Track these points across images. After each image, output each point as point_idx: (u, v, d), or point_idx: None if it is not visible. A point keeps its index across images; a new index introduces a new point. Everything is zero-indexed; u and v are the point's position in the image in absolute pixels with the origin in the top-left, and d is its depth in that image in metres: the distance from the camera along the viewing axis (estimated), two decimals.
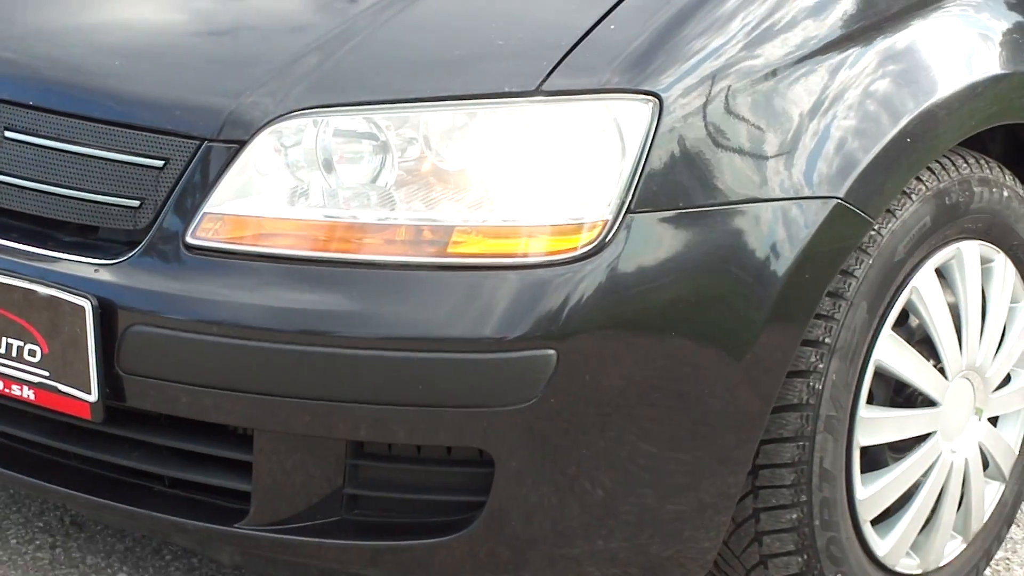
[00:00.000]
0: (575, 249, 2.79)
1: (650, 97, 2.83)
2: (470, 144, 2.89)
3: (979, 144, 3.43)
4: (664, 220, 2.86)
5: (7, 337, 2.98)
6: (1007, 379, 3.48)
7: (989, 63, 3.36)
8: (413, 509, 2.99)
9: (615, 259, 2.79)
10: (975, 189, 3.28)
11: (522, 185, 2.89)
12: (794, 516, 3.08)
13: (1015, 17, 3.47)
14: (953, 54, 3.31)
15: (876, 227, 3.07)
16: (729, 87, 2.98)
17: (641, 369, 2.88)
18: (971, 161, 3.29)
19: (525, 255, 2.83)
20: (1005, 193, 3.34)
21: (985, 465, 3.46)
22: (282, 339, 2.82)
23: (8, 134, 3.06)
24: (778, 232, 2.98)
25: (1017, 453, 3.55)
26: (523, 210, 2.87)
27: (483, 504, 2.85)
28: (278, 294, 2.85)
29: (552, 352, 2.73)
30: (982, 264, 3.35)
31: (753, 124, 3.01)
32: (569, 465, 2.92)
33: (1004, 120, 3.38)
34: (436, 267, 2.84)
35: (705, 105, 2.94)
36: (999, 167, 3.39)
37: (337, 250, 2.88)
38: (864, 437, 3.15)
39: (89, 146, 3.02)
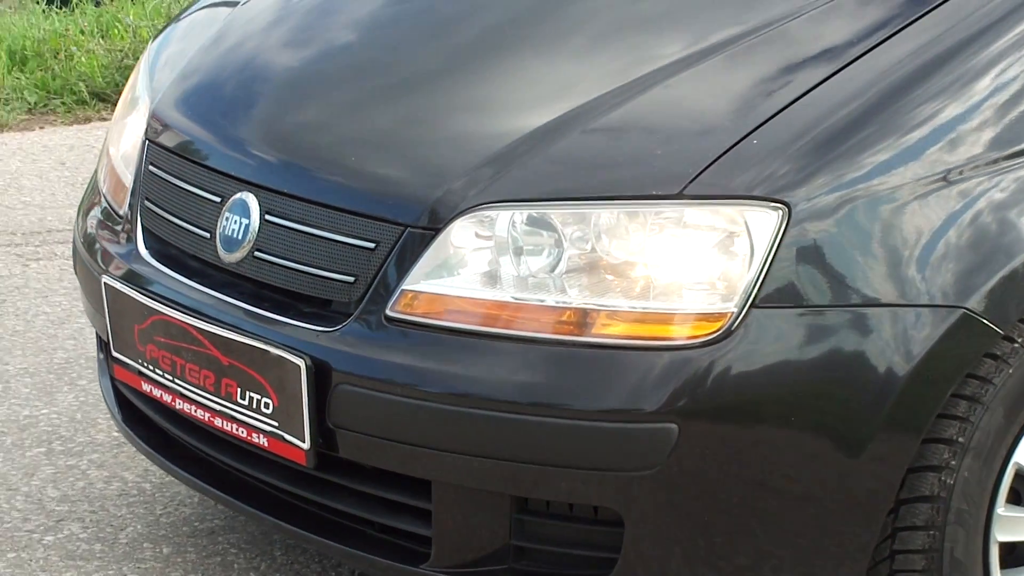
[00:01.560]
0: (700, 337, 3.03)
1: (780, 205, 3.06)
2: (629, 241, 3.16)
3: None
4: (786, 317, 3.08)
5: (250, 391, 3.37)
6: None
7: None
8: (567, 563, 3.23)
9: (737, 349, 3.03)
10: None
11: (667, 277, 3.13)
12: None
13: None
14: None
15: (1019, 341, 3.18)
16: (858, 201, 3.16)
17: (755, 452, 3.10)
18: None
19: (662, 339, 3.09)
20: None
21: None
22: (459, 403, 3.13)
23: (268, 217, 3.46)
24: (898, 336, 3.13)
25: None
26: (664, 299, 3.12)
27: (615, 560, 3.11)
28: (459, 364, 3.17)
29: (674, 427, 2.98)
30: None
31: (880, 236, 3.18)
32: (691, 531, 3.16)
33: None
34: (593, 345, 3.11)
35: (833, 215, 3.14)
36: None
37: (516, 328, 3.16)
38: (1002, 534, 3.24)
39: (323, 228, 3.38)
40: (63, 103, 8.57)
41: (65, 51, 8.99)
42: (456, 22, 4.00)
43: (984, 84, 3.37)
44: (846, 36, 3.50)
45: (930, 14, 3.45)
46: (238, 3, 4.46)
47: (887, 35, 3.42)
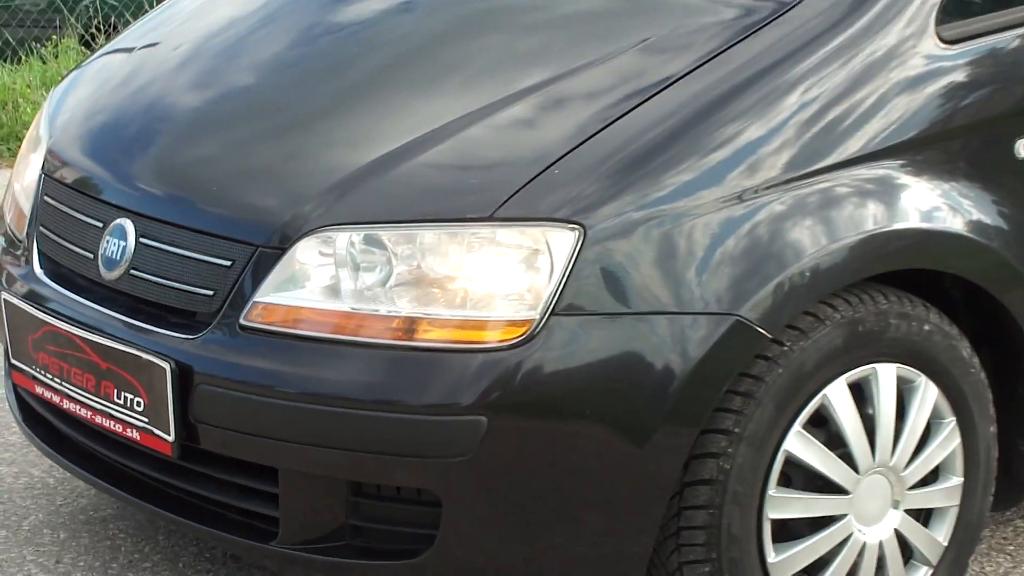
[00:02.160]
0: (508, 341, 3.29)
1: (577, 226, 3.32)
2: (449, 259, 3.43)
3: (937, 285, 3.82)
4: (582, 323, 3.34)
5: (125, 392, 3.61)
6: (934, 478, 3.79)
7: (885, 219, 3.67)
8: (396, 539, 3.49)
9: (539, 351, 3.28)
10: (892, 321, 3.61)
11: (481, 289, 3.40)
12: (707, 569, 3.49)
13: (908, 180, 3.75)
14: (851, 211, 3.65)
15: (787, 344, 3.45)
16: (656, 219, 3.42)
17: (557, 441, 3.37)
18: (892, 298, 3.63)
19: (476, 343, 3.35)
20: (926, 327, 3.66)
21: (911, 549, 3.79)
22: (303, 400, 3.39)
23: (142, 240, 3.71)
24: (679, 340, 3.38)
25: (946, 545, 3.83)
26: (478, 308, 3.38)
27: (435, 536, 3.38)
28: (304, 366, 3.42)
29: (483, 419, 3.25)
30: (905, 383, 3.67)
31: (670, 250, 3.44)
32: (504, 511, 3.42)
33: (890, 268, 3.69)
34: (417, 348, 3.38)
35: (631, 232, 3.40)
36: (924, 305, 3.70)
37: (351, 334, 3.41)
38: (773, 512, 3.52)
39: (187, 248, 3.64)
40: (8, 149, 8.93)
41: (12, 103, 9.34)
42: (336, 68, 4.20)
43: (778, 111, 3.63)
44: (655, 72, 3.73)
45: (728, 51, 3.71)
46: (132, 50, 4.66)
47: (689, 69, 3.66)
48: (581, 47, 3.89)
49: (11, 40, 11.24)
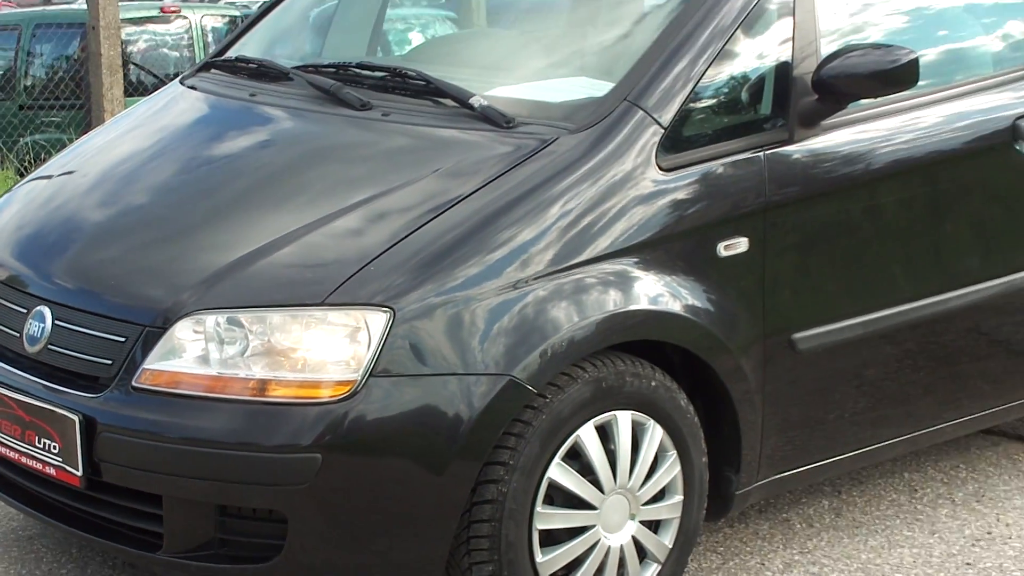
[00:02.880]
0: (337, 396, 3.52)
1: (388, 309, 3.56)
2: (291, 335, 3.64)
3: (659, 351, 3.98)
4: (393, 382, 3.56)
5: (44, 438, 3.80)
6: (662, 496, 3.98)
7: (622, 303, 3.85)
8: (255, 548, 3.67)
9: (361, 404, 3.52)
10: (627, 379, 3.82)
11: (316, 357, 3.61)
12: (490, 568, 3.70)
13: (640, 273, 3.92)
14: (597, 296, 3.83)
15: (548, 397, 3.66)
16: (450, 303, 3.64)
17: (377, 472, 3.60)
18: (628, 362, 3.83)
19: (313, 398, 3.56)
20: (653, 383, 3.88)
21: (644, 550, 3.97)
22: (181, 443, 3.60)
23: (57, 322, 3.85)
24: (467, 394, 3.60)
25: (671, 547, 4.02)
26: (314, 371, 3.59)
27: (283, 545, 3.59)
28: (182, 417, 3.63)
29: (318, 456, 3.49)
30: (638, 426, 3.87)
31: (462, 326, 3.66)
32: (338, 526, 3.63)
33: (627, 338, 3.88)
34: (268, 403, 3.58)
35: (431, 312, 3.62)
36: (651, 367, 3.89)
37: (218, 392, 3.61)
38: (540, 524, 3.74)
39: (92, 328, 3.80)
40: None
41: None
42: (208, 190, 4.27)
43: (543, 220, 3.83)
44: (448, 192, 3.89)
45: (504, 175, 3.91)
46: (51, 176, 4.73)
47: (475, 189, 3.85)
48: (392, 174, 4.04)
49: None
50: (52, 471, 3.83)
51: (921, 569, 4.50)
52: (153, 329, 3.71)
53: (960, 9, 4.90)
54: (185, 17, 13.55)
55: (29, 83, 13.17)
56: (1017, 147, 4.66)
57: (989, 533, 4.78)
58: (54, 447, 3.80)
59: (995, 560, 4.57)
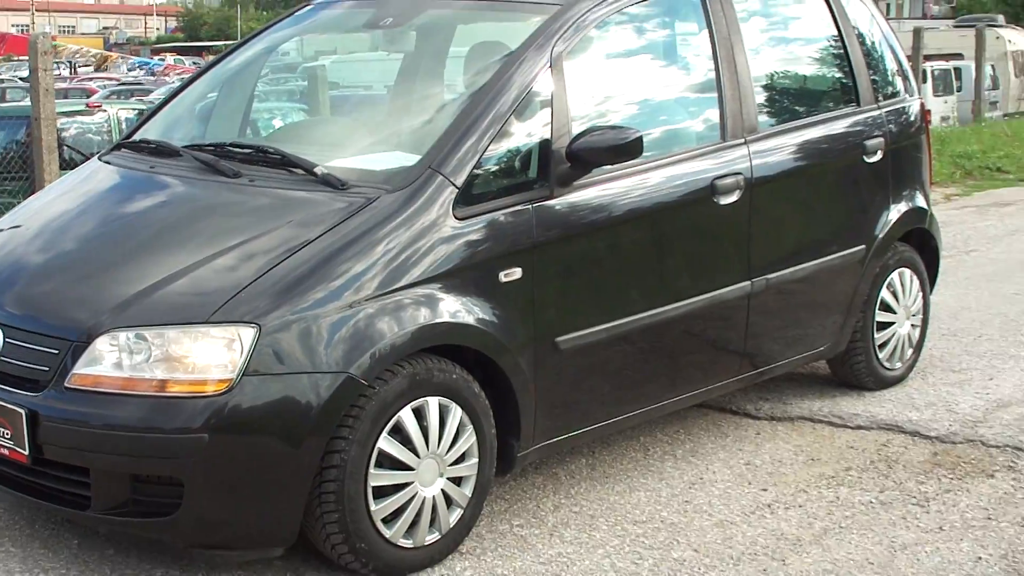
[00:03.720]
0: (219, 390, 3.61)
1: (255, 324, 3.66)
2: (183, 345, 3.69)
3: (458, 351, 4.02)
4: (261, 379, 3.65)
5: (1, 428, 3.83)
6: (463, 459, 4.08)
7: (430, 317, 3.93)
8: (157, 504, 3.71)
9: (237, 395, 3.61)
10: (435, 373, 3.93)
11: (203, 361, 3.67)
12: (336, 516, 3.78)
13: (443, 295, 3.99)
14: (412, 312, 3.92)
15: (376, 388, 3.76)
16: (305, 319, 3.73)
17: (250, 445, 3.67)
18: (435, 360, 3.94)
19: (200, 392, 3.64)
20: (454, 376, 3.99)
21: (450, 499, 4.05)
22: (103, 428, 3.66)
23: (7, 339, 3.90)
24: (316, 387, 3.69)
25: (470, 496, 4.12)
26: (202, 372, 3.66)
27: (180, 504, 3.65)
28: (102, 408, 3.68)
29: (205, 436, 3.58)
30: (444, 408, 3.96)
31: (310, 336, 3.73)
32: (222, 488, 3.69)
33: (434, 343, 3.97)
34: (167, 397, 3.65)
35: (289, 327, 3.71)
36: (452, 363, 3.99)
37: (129, 389, 3.66)
38: (373, 481, 3.82)
39: (33, 344, 3.87)
40: None
41: None
42: (122, 238, 4.27)
43: (371, 256, 3.89)
44: (299, 236, 3.93)
45: (341, 224, 3.93)
46: (3, 229, 4.63)
47: (319, 234, 3.89)
48: (257, 225, 4.06)
49: None
50: (5, 451, 3.89)
51: (652, 507, 4.66)
52: (79, 343, 3.76)
53: (672, 101, 5.01)
54: (105, 111, 14.42)
55: None
56: (715, 200, 4.87)
57: (701, 479, 4.96)
58: (6, 433, 3.86)
59: (705, 498, 4.77)
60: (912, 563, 4.16)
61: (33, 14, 51.10)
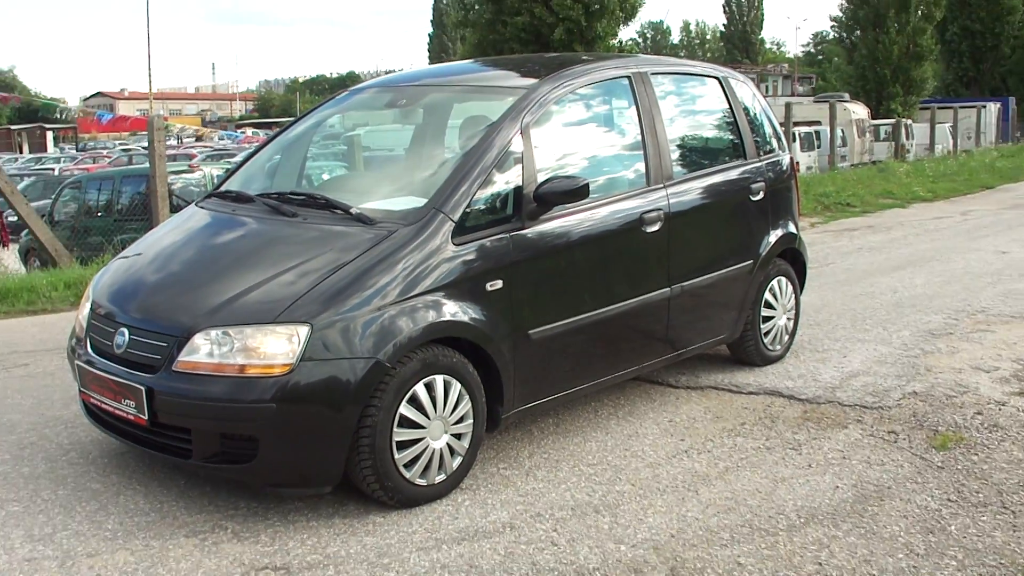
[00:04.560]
0: (284, 371, 3.56)
1: (308, 323, 3.61)
2: (257, 339, 3.61)
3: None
4: (315, 363, 3.58)
5: (126, 399, 3.80)
6: (461, 421, 3.98)
7: (436, 316, 3.84)
8: (242, 455, 3.66)
9: (296, 375, 3.56)
10: (440, 358, 3.85)
11: (272, 351, 3.59)
12: (369, 463, 3.71)
13: (445, 301, 3.88)
14: (423, 313, 3.82)
15: (398, 369, 3.70)
16: (345, 319, 3.64)
17: (305, 412, 3.58)
18: (440, 348, 3.85)
19: (270, 373, 3.57)
20: (455, 360, 3.91)
21: (453, 449, 4.00)
22: (199, 399, 3.59)
23: (131, 336, 3.86)
24: (353, 369, 3.63)
25: (467, 447, 4.03)
26: (272, 359, 3.58)
27: (256, 453, 3.61)
28: (200, 386, 3.62)
29: (274, 405, 3.52)
30: (447, 383, 3.88)
31: (352, 332, 3.65)
32: (291, 444, 3.61)
33: (440, 336, 3.84)
34: (245, 377, 3.58)
35: (333, 324, 3.63)
36: (453, 350, 3.87)
37: (218, 372, 3.60)
38: (396, 437, 3.77)
39: (149, 338, 3.81)
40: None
41: (85, 282, 7.62)
42: (214, 260, 4.15)
43: (393, 272, 3.80)
44: (340, 259, 3.77)
45: (371, 249, 3.80)
46: (128, 256, 4.57)
47: (354, 257, 3.79)
48: (309, 251, 3.94)
49: (88, 249, 11.16)
50: (131, 416, 3.85)
51: (601, 453, 4.59)
52: (182, 339, 3.73)
53: (611, 157, 4.89)
54: (202, 170, 15.13)
55: (119, 208, 13.98)
56: (643, 228, 4.80)
57: (636, 432, 4.89)
58: (131, 404, 3.83)
59: (639, 446, 4.67)
60: (789, 491, 4.12)
61: (151, 102, 52.24)
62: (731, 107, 5.59)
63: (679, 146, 5.16)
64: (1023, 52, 40.49)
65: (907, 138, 28.08)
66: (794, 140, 21.93)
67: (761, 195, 5.57)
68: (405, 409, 3.81)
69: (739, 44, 73.72)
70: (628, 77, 4.90)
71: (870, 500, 3.95)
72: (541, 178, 4.28)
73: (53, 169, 31.07)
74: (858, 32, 31.42)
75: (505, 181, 4.23)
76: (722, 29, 76.84)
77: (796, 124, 21.88)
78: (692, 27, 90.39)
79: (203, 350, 3.66)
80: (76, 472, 4.28)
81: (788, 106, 19.09)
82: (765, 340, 5.82)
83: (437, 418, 3.92)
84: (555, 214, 4.30)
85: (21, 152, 48.56)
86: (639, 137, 4.86)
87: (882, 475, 4.20)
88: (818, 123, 26.43)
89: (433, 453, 3.93)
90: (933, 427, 4.76)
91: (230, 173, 5.13)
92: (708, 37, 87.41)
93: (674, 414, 5.08)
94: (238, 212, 4.47)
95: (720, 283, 5.28)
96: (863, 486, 4.13)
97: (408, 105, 5.11)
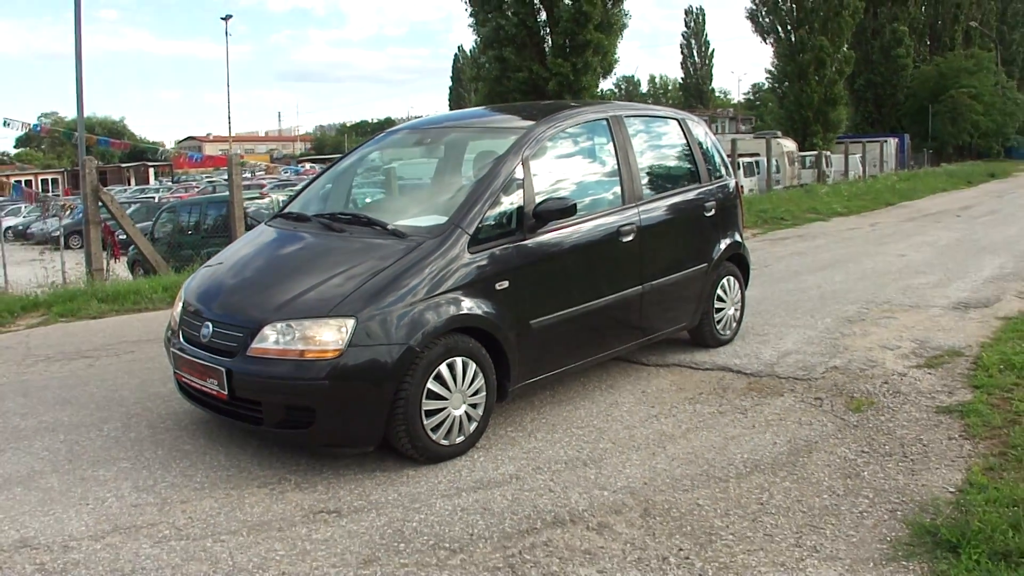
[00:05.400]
0: (335, 354, 3.50)
1: (354, 317, 3.54)
2: (313, 330, 3.53)
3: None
4: (360, 349, 3.52)
5: (211, 379, 3.65)
6: (477, 393, 3.86)
7: (456, 311, 3.77)
8: (302, 422, 3.58)
9: (345, 357, 3.50)
10: (460, 344, 3.76)
11: (325, 338, 3.52)
12: (404, 428, 3.65)
13: (463, 298, 3.80)
14: (445, 308, 3.73)
15: (425, 352, 3.65)
16: (384, 313, 3.58)
17: (353, 387, 3.51)
18: (459, 336, 3.77)
19: (324, 355, 3.51)
20: (471, 345, 3.80)
21: (470, 416, 3.90)
22: (267, 377, 3.51)
23: (215, 328, 3.76)
24: (390, 352, 3.58)
25: (481, 414, 3.95)
26: (324, 344, 3.51)
27: (314, 421, 3.55)
28: (269, 367, 3.53)
29: (327, 382, 3.47)
30: (466, 364, 3.82)
31: (389, 322, 3.53)
32: (341, 413, 3.55)
33: (459, 326, 3.73)
34: (304, 360, 3.51)
35: (373, 319, 3.56)
36: (469, 337, 3.80)
37: (282, 356, 3.54)
38: (425, 407, 3.71)
39: (229, 329, 3.71)
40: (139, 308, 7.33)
41: (178, 286, 6.98)
42: (279, 266, 4.02)
43: (420, 276, 3.69)
44: (378, 265, 3.74)
45: (404, 257, 3.71)
46: (212, 265, 4.45)
47: (390, 264, 3.69)
48: (354, 259, 3.86)
49: (181, 260, 11.21)
50: (215, 392, 3.78)
51: (588, 418, 4.44)
52: (254, 330, 3.67)
53: (593, 182, 4.77)
54: (270, 197, 15.79)
55: (205, 227, 14.17)
56: (620, 239, 4.71)
57: (616, 401, 4.69)
58: (215, 382, 3.77)
59: (618, 412, 4.53)
60: (738, 447, 4.05)
61: (230, 143, 52.91)
62: (688, 142, 5.50)
63: (648, 173, 5.08)
64: (914, 100, 42.50)
65: (827, 166, 28.06)
66: (739, 168, 21.81)
67: (713, 211, 5.48)
68: (432, 384, 3.75)
69: (694, 93, 74.58)
70: (607, 119, 4.84)
71: (801, 453, 3.92)
72: (538, 199, 4.22)
73: (154, 197, 31.65)
74: (787, 83, 32.01)
75: (510, 202, 4.17)
76: (680, 81, 77.75)
77: (740, 155, 21.86)
78: (657, 80, 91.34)
79: (271, 339, 3.60)
80: (171, 437, 4.25)
81: (734, 141, 19.31)
82: (718, 327, 5.70)
83: (457, 391, 3.86)
84: (550, 228, 4.24)
85: (129, 184, 50.46)
86: (616, 167, 4.78)
87: (810, 433, 4.16)
88: (757, 155, 26.41)
89: (454, 419, 3.87)
90: (850, 394, 4.70)
91: (292, 198, 5.03)
92: (670, 88, 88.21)
93: (646, 386, 5.00)
94: (298, 229, 4.39)
95: (682, 281, 5.18)
96: (795, 442, 4.09)
97: (432, 143, 5.05)
